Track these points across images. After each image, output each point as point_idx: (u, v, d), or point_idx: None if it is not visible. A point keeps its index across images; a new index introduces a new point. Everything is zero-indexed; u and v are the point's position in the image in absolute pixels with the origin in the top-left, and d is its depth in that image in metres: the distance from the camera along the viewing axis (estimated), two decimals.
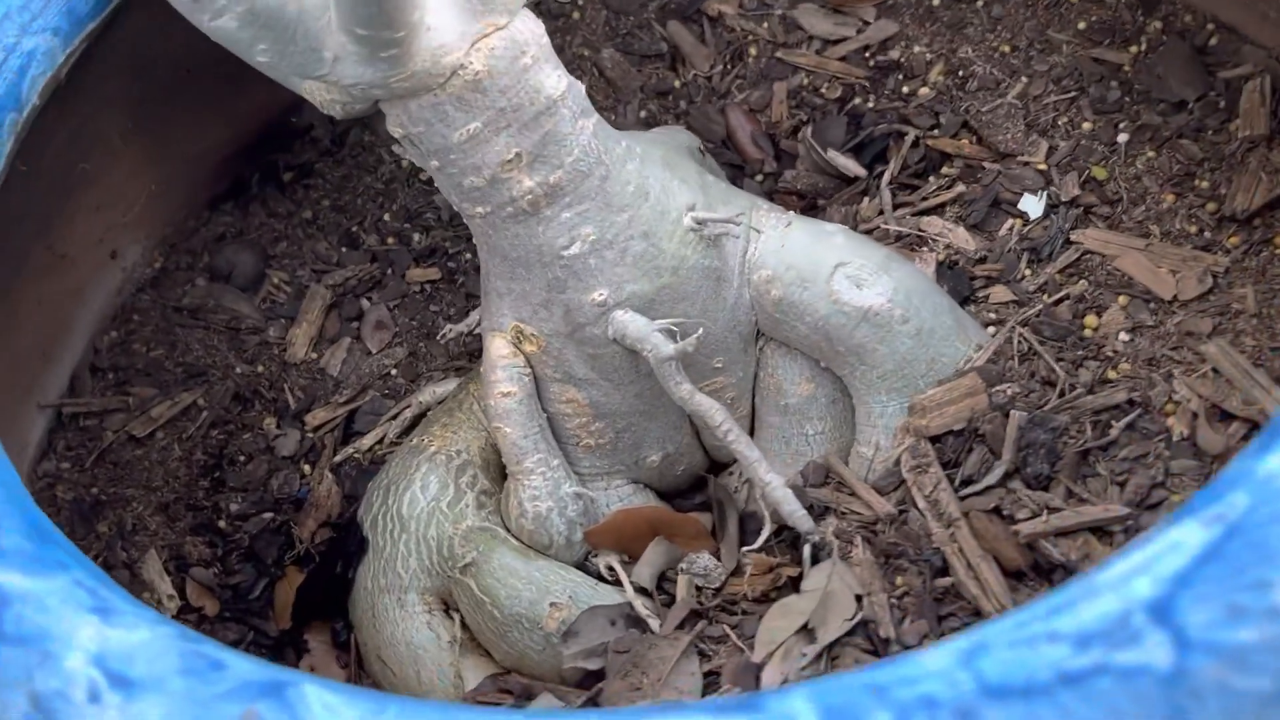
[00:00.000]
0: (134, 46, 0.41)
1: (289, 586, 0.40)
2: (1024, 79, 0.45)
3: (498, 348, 0.37)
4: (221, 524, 0.42)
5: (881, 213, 0.44)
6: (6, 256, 0.40)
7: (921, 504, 0.35)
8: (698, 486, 0.42)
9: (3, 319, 0.40)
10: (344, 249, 0.48)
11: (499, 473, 0.40)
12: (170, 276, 0.47)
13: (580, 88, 0.36)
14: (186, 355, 0.45)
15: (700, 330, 0.36)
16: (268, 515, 0.42)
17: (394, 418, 0.43)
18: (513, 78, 0.33)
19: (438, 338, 0.43)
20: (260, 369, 0.45)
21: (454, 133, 0.34)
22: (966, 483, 0.35)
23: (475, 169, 0.34)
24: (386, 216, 0.48)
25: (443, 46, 0.32)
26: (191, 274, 0.48)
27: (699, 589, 0.38)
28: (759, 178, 0.49)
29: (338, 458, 0.43)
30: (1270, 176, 0.39)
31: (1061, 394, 0.35)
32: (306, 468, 0.43)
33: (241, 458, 0.43)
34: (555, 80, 0.35)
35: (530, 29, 0.34)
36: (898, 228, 0.43)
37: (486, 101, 0.33)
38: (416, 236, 0.48)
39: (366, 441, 0.43)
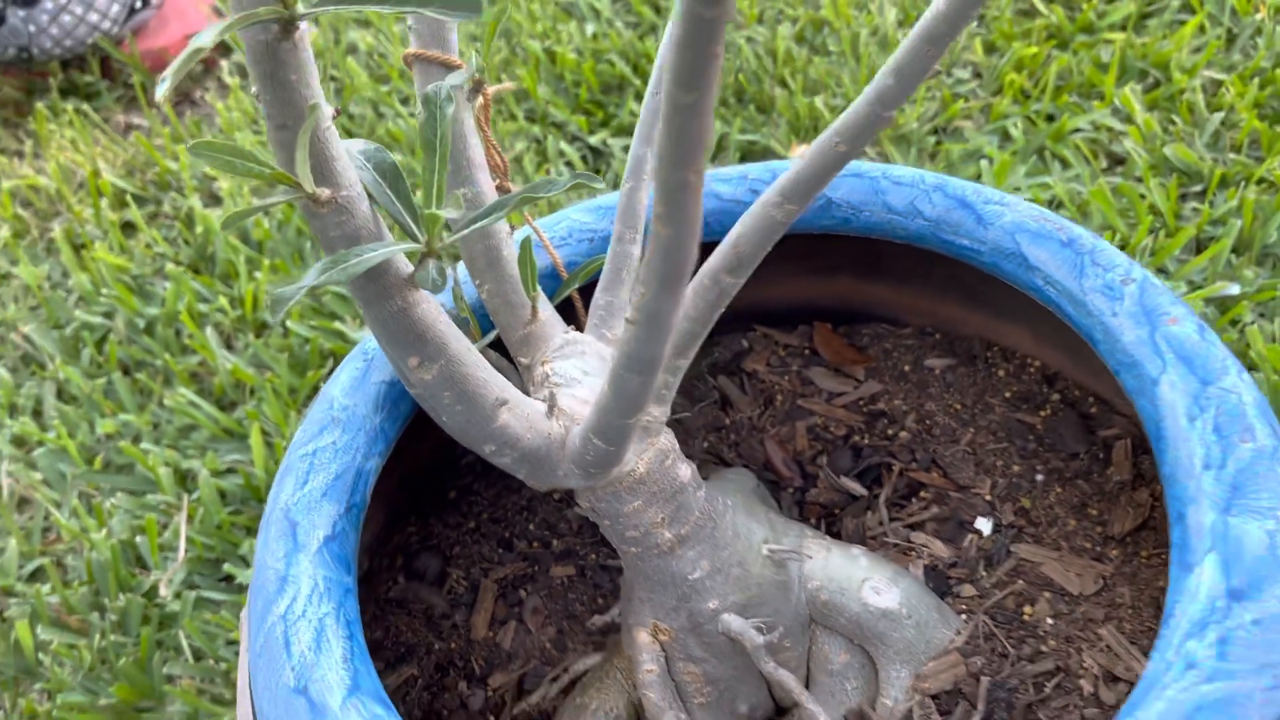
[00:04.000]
0: None
1: None
2: (972, 430, 0.66)
3: (643, 638, 0.56)
4: None
5: (881, 524, 0.64)
6: None
7: None
8: None
9: None
10: (501, 550, 0.67)
11: None
12: (377, 576, 0.66)
13: (695, 468, 0.56)
14: (400, 637, 0.63)
15: (780, 628, 0.55)
16: None
17: (554, 681, 0.61)
18: (661, 473, 0.53)
19: (588, 624, 0.62)
20: (453, 645, 0.63)
21: (624, 507, 0.53)
22: None
23: (635, 526, 0.54)
24: (531, 526, 0.68)
25: (626, 462, 0.52)
26: (392, 573, 0.66)
27: None
28: (791, 490, 0.69)
29: (514, 711, 0.61)
30: (1135, 509, 0.60)
31: (1013, 664, 0.55)
32: (491, 718, 0.61)
33: (445, 712, 0.61)
34: (685, 470, 0.55)
35: (669, 440, 0.54)
36: (894, 540, 0.63)
37: (645, 489, 0.53)
38: (555, 542, 0.67)
39: (534, 699, 0.61)
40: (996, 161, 1.10)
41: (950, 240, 0.56)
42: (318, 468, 0.50)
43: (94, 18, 1.37)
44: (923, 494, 0.65)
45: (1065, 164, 1.12)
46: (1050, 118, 1.18)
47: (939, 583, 0.60)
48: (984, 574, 0.60)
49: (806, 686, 0.59)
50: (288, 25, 0.38)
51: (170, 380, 1.02)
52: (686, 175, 0.30)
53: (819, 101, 1.22)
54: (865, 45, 1.28)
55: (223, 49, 1.46)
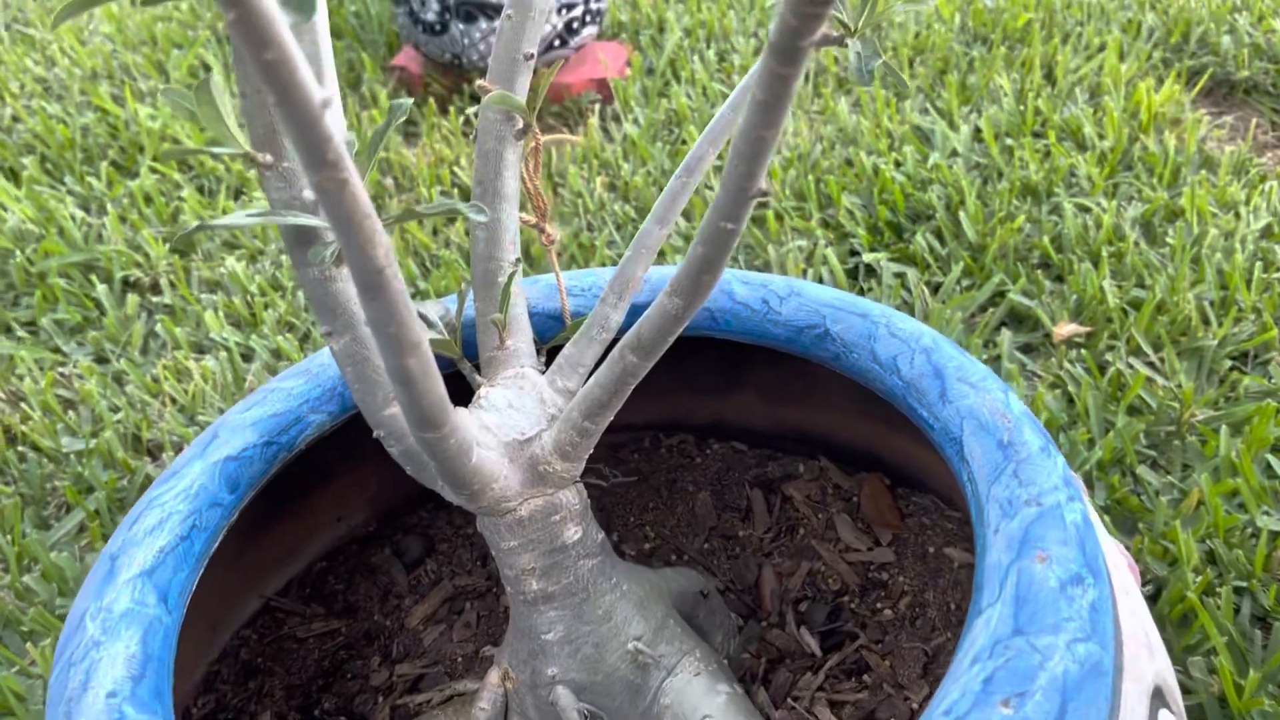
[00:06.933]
0: None
1: None
2: (949, 634, 0.59)
3: (492, 678, 0.57)
4: (315, 712, 0.64)
5: (809, 689, 0.60)
6: (288, 506, 0.66)
7: None
8: None
9: (260, 544, 0.66)
10: (476, 563, 0.71)
11: None
12: (372, 540, 0.72)
13: (597, 539, 0.56)
14: (352, 596, 0.69)
15: None
16: (342, 718, 0.63)
17: (440, 691, 0.64)
18: (543, 525, 0.54)
19: (481, 651, 0.64)
20: (387, 623, 0.68)
21: (503, 542, 0.55)
22: None
23: (511, 565, 0.55)
24: None
25: (504, 497, 0.54)
26: (385, 543, 0.72)
27: None
28: (762, 623, 0.66)
29: (397, 700, 0.64)
30: None
31: None
32: (380, 698, 0.64)
33: (348, 676, 0.65)
34: (572, 533, 0.55)
35: (569, 498, 0.55)
36: (804, 708, 0.58)
37: (523, 533, 0.54)
38: None
39: (418, 699, 0.64)
40: None
41: (915, 408, 0.51)
42: (266, 403, 0.58)
43: None
44: (865, 677, 0.59)
45: None
46: None
47: None
48: None
49: None
50: None
51: None
52: (319, 179, 0.33)
53: (1114, 288, 1.11)
54: (1208, 249, 1.15)
55: (602, 88, 1.62)
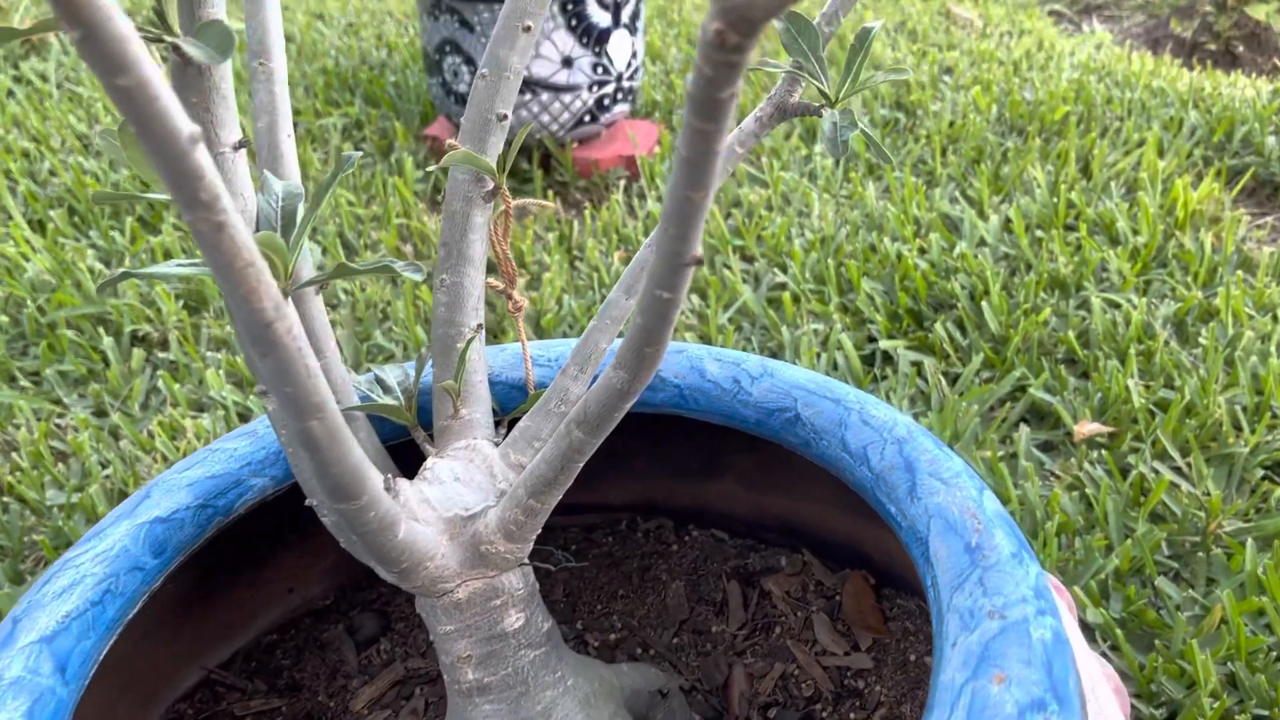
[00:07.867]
0: None
1: None
2: None
3: None
4: None
5: None
6: (241, 574, 0.63)
7: None
8: None
9: (209, 613, 0.63)
10: (431, 645, 0.67)
11: None
12: (329, 613, 0.69)
13: (543, 628, 0.52)
14: (298, 673, 0.65)
15: None
16: None
17: None
18: (482, 610, 0.51)
19: None
20: (331, 704, 0.64)
21: (439, 627, 0.51)
22: None
23: (447, 652, 0.52)
24: None
25: (441, 576, 0.50)
26: (339, 619, 0.69)
27: None
28: None
29: None
30: None
31: None
32: None
33: None
34: (514, 620, 0.51)
35: (512, 582, 0.51)
36: None
37: (460, 618, 0.51)
38: None
39: None
40: None
41: (883, 503, 0.47)
42: (205, 463, 0.55)
43: (546, 118, 1.58)
44: None
45: None
46: None
47: None
48: None
49: None
50: (181, 53, 0.44)
51: None
52: (192, 220, 0.30)
53: (1141, 388, 1.06)
54: (1242, 352, 1.10)
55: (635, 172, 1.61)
